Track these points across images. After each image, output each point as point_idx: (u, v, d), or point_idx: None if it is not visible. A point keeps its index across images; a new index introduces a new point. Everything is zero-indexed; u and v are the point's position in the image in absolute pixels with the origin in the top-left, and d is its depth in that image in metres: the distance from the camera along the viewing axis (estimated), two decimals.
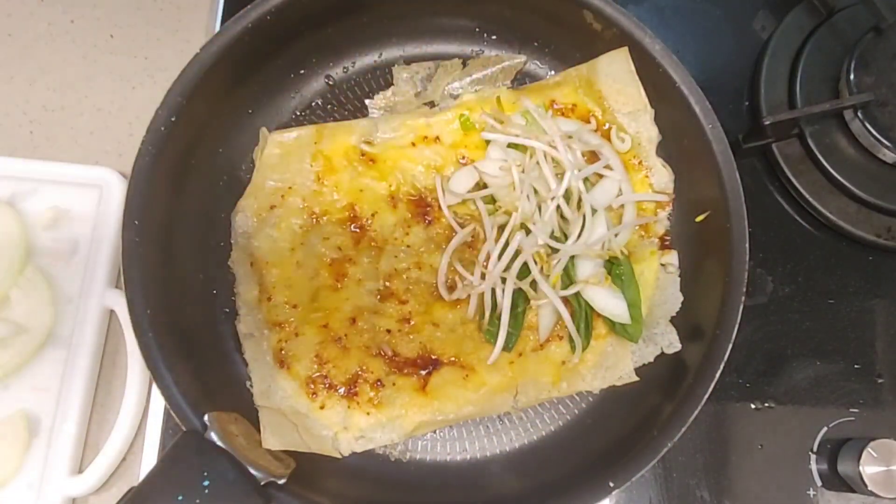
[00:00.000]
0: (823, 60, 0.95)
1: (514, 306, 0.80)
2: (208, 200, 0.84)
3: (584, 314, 0.81)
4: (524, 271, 0.80)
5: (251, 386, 0.80)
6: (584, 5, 0.82)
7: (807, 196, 0.93)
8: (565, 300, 0.81)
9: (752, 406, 0.88)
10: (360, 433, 0.79)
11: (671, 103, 0.82)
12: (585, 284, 0.80)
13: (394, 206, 0.86)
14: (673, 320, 0.82)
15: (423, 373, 0.81)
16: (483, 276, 0.81)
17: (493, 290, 0.81)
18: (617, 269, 0.82)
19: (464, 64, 0.92)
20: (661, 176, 0.87)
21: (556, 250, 0.80)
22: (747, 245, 0.76)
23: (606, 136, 0.87)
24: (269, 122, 0.89)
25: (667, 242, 0.86)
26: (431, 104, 0.91)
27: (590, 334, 0.82)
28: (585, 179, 0.83)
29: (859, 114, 0.89)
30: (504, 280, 0.80)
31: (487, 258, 0.81)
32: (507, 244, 0.81)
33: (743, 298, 0.74)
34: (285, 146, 0.86)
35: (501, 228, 0.82)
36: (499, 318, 0.80)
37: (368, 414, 0.79)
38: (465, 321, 0.83)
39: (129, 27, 1.05)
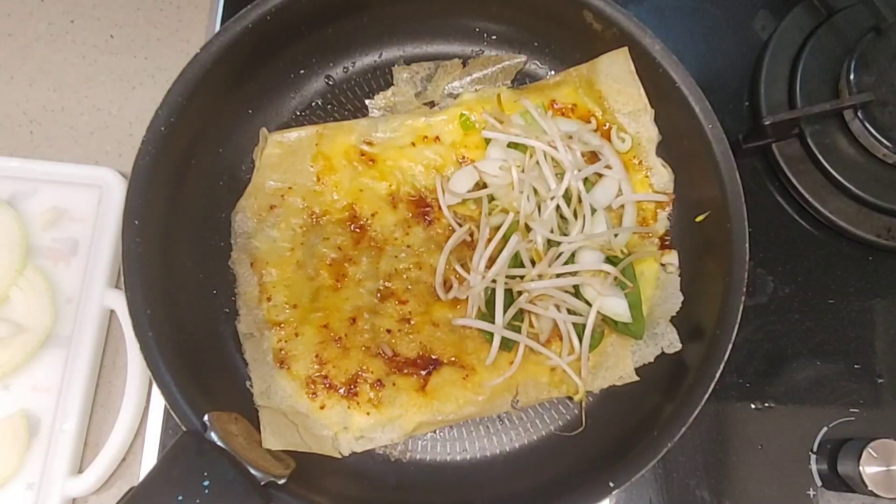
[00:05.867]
0: (823, 60, 0.94)
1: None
2: (208, 200, 0.84)
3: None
4: (519, 269, 0.80)
5: (251, 386, 0.80)
6: (584, 5, 0.82)
7: (807, 196, 0.93)
8: None
9: (752, 406, 0.88)
10: (360, 433, 0.79)
11: (671, 103, 0.82)
12: (584, 278, 0.80)
13: (394, 206, 0.86)
14: (673, 320, 0.82)
15: (423, 373, 0.81)
16: (482, 277, 0.81)
17: (493, 291, 0.81)
18: None
19: (464, 64, 0.92)
20: (661, 176, 0.87)
21: (555, 243, 0.80)
22: (747, 245, 0.76)
23: (606, 136, 0.87)
24: (269, 122, 0.89)
25: (667, 242, 0.86)
26: (431, 104, 0.91)
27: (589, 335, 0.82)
28: (585, 179, 0.83)
29: (859, 114, 0.89)
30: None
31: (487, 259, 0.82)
32: (503, 245, 0.81)
33: (743, 298, 0.74)
34: (285, 146, 0.86)
35: (499, 228, 0.82)
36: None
37: (368, 414, 0.79)
38: None
39: (129, 27, 1.05)
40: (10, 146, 0.98)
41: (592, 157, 0.86)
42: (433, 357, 0.81)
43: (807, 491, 0.85)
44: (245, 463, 0.67)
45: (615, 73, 0.85)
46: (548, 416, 0.83)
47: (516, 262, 0.81)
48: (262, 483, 0.67)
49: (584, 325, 0.80)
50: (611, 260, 0.82)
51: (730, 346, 0.73)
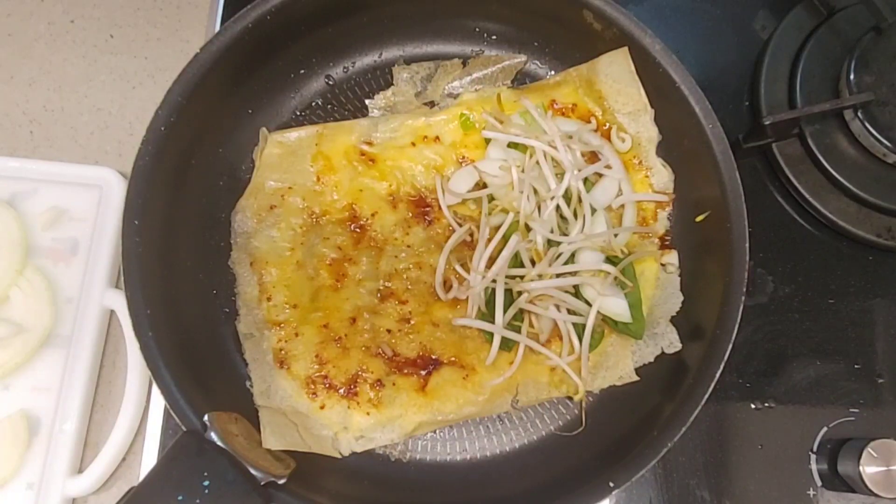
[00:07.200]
0: (823, 60, 0.94)
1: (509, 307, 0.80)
2: (208, 200, 0.84)
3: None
4: (519, 268, 0.81)
5: (251, 386, 0.80)
6: (585, 5, 0.82)
7: (807, 196, 0.93)
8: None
9: (752, 406, 0.88)
10: (360, 433, 0.79)
11: (671, 103, 0.81)
12: (584, 277, 0.80)
13: (394, 206, 0.86)
14: (673, 320, 0.82)
15: (423, 373, 0.81)
16: (482, 277, 0.81)
17: (493, 291, 0.81)
18: None
19: (464, 64, 0.92)
20: (662, 176, 0.87)
21: (555, 243, 0.80)
22: (747, 245, 0.76)
23: (606, 135, 0.87)
24: (269, 122, 0.89)
25: (667, 242, 0.86)
26: (431, 104, 0.91)
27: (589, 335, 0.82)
28: (585, 179, 0.83)
29: (859, 114, 0.89)
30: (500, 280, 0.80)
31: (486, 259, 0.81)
32: (503, 245, 0.81)
33: (743, 298, 0.74)
34: (285, 146, 0.86)
35: (499, 228, 0.82)
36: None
37: (368, 414, 0.79)
38: None
39: (129, 27, 1.05)
40: (10, 146, 0.98)
41: (592, 157, 0.86)
42: (433, 357, 0.81)
43: (807, 491, 0.85)
44: (245, 463, 0.67)
45: (615, 72, 0.85)
46: (548, 416, 0.83)
47: (516, 262, 0.81)
48: (262, 483, 0.67)
49: (584, 325, 0.80)
50: (611, 260, 0.82)
51: (730, 346, 0.73)
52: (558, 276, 0.80)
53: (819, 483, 0.85)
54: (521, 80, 0.93)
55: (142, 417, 0.85)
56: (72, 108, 1.01)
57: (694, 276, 0.83)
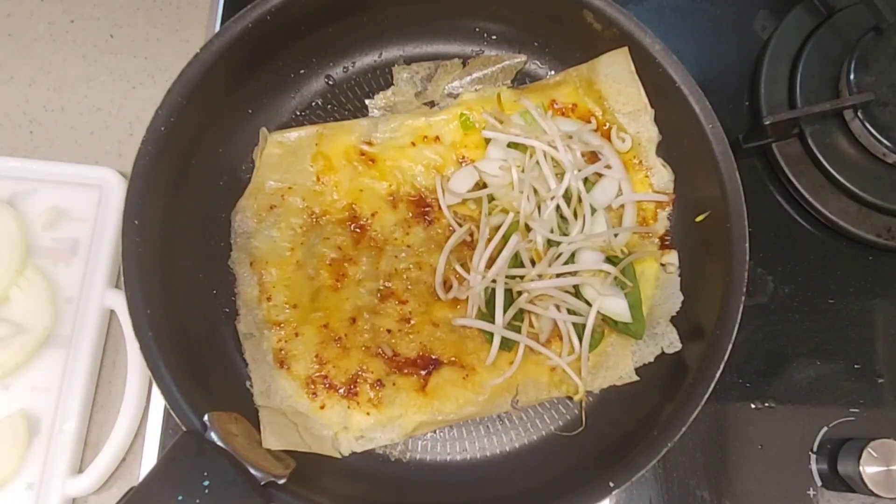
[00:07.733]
0: (823, 60, 0.94)
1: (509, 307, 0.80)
2: (208, 200, 0.84)
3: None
4: (519, 268, 0.81)
5: (251, 386, 0.80)
6: (585, 5, 0.82)
7: (807, 196, 0.93)
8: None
9: (752, 406, 0.88)
10: (360, 433, 0.79)
11: (671, 103, 0.82)
12: (584, 277, 0.80)
13: (394, 206, 0.86)
14: (673, 320, 0.82)
15: (423, 373, 0.81)
16: (482, 277, 0.81)
17: (493, 291, 0.81)
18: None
19: (464, 64, 0.92)
20: (662, 176, 0.87)
21: (555, 243, 0.80)
22: (747, 245, 0.76)
23: (606, 135, 0.87)
24: (269, 122, 0.89)
25: (667, 242, 0.86)
26: (431, 104, 0.91)
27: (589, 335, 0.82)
28: (585, 179, 0.83)
29: (859, 114, 0.89)
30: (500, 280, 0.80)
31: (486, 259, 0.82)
32: (503, 245, 0.81)
33: (743, 298, 0.74)
34: (285, 146, 0.86)
35: (499, 228, 0.82)
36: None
37: (368, 414, 0.79)
38: None
39: (129, 27, 1.05)
40: (10, 146, 0.98)
41: (592, 157, 0.86)
42: (433, 357, 0.81)
43: (807, 491, 0.85)
44: (245, 463, 0.67)
45: (615, 72, 0.85)
46: (548, 416, 0.83)
47: (516, 262, 0.81)
48: (262, 483, 0.67)
49: (584, 325, 0.80)
50: (611, 260, 0.82)
51: (730, 346, 0.73)
52: (558, 276, 0.80)
53: (819, 483, 0.85)
54: (521, 80, 0.93)
55: (142, 417, 0.85)
56: (72, 108, 1.01)
57: (694, 276, 0.83)
